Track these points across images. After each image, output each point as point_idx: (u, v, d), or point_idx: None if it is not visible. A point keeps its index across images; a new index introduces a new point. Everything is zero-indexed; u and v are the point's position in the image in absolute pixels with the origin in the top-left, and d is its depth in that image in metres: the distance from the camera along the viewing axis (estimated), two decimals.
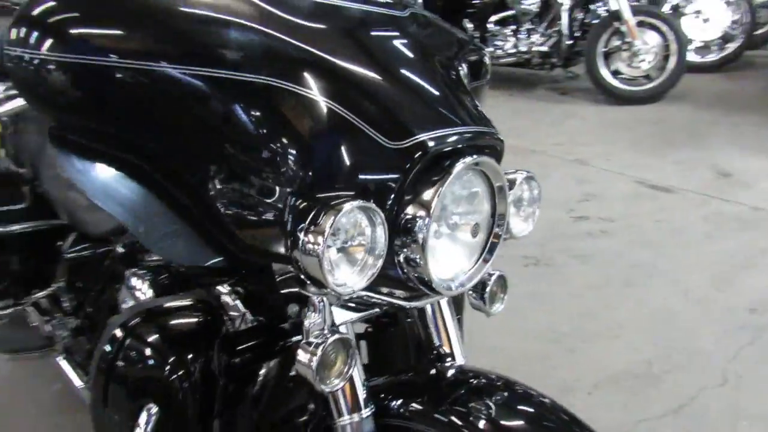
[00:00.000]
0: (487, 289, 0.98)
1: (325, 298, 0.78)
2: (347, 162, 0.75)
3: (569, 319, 2.16)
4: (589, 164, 3.55)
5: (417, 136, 0.75)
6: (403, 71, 0.85)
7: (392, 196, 0.74)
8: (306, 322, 0.79)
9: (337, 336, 0.77)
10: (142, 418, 0.87)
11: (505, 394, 0.89)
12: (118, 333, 0.92)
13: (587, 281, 2.39)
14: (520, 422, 0.86)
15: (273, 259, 0.79)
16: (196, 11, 0.77)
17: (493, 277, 0.99)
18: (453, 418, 0.83)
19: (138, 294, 1.17)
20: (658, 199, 3.11)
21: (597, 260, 2.54)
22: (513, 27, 4.91)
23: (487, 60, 1.21)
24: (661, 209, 3.00)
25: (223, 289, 1.06)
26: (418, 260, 0.75)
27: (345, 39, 0.85)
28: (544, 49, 4.76)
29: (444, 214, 0.82)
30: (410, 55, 0.90)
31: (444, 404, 0.86)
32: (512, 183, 0.92)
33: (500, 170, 0.82)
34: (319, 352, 0.74)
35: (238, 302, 1.08)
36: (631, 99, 4.64)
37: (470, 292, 1.01)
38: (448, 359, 0.98)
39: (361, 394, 0.85)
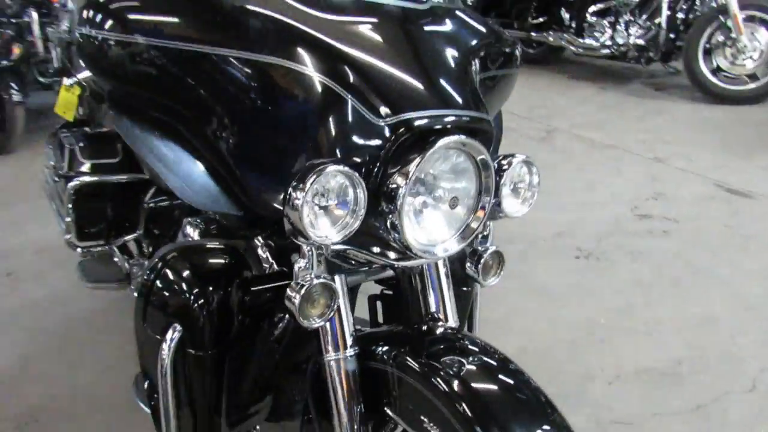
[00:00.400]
0: (482, 261, 1.09)
1: (313, 248, 0.91)
2: (339, 133, 0.89)
3: (607, 312, 2.19)
4: (667, 163, 3.46)
5: (401, 115, 0.87)
6: (404, 57, 0.97)
7: (377, 165, 0.88)
8: (295, 267, 0.91)
9: (320, 281, 0.89)
10: (168, 334, 1.05)
11: (485, 359, 0.96)
12: (157, 263, 1.11)
13: (635, 278, 2.40)
14: (490, 386, 0.92)
15: (274, 212, 0.91)
16: (230, 4, 0.95)
17: (488, 251, 1.10)
18: (426, 369, 0.92)
19: (188, 238, 1.38)
20: (733, 204, 3.01)
21: (651, 259, 2.52)
22: (611, 18, 4.79)
23: (517, 51, 1.30)
24: (734, 214, 2.91)
25: (258, 241, 1.23)
26: (396, 225, 0.89)
27: (354, 27, 0.97)
28: (641, 42, 4.62)
29: (430, 187, 0.95)
30: (416, 43, 1.01)
31: (422, 356, 0.95)
32: (509, 165, 1.03)
33: (484, 150, 0.92)
34: (302, 291, 0.88)
35: (267, 254, 1.24)
36: (730, 98, 4.42)
37: (468, 264, 1.13)
38: (440, 321, 1.09)
39: (348, 336, 0.99)
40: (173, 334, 1.05)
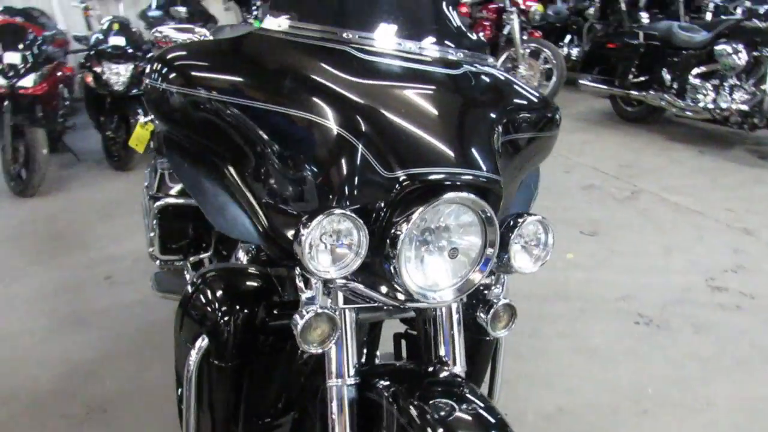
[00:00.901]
0: (491, 312, 1.17)
1: (319, 281, 1.01)
2: (351, 181, 1.01)
3: (657, 383, 2.13)
4: (755, 235, 3.29)
5: (408, 170, 0.98)
6: (425, 117, 1.07)
7: (381, 213, 0.99)
8: (302, 297, 1.02)
9: (322, 311, 1.00)
10: (197, 344, 1.18)
11: (478, 411, 1.00)
12: (197, 280, 1.25)
13: (695, 351, 2.31)
14: None
15: (288, 245, 1.01)
16: (268, 67, 1.09)
17: (500, 303, 1.17)
18: (416, 408, 0.98)
19: (238, 261, 1.53)
20: None
21: (716, 334, 2.42)
22: (715, 82, 4.63)
23: (557, 115, 1.37)
24: None
25: (297, 271, 1.36)
26: (396, 268, 0.98)
27: (382, 88, 1.09)
28: (746, 108, 4.42)
29: (437, 238, 1.04)
30: (440, 105, 1.11)
31: (416, 395, 1.01)
32: (521, 223, 1.10)
33: (488, 208, 1.01)
34: (304, 319, 0.98)
35: (300, 283, 1.35)
36: None
37: (479, 313, 1.19)
38: (447, 366, 1.16)
39: (351, 365, 1.08)
40: (201, 344, 1.18)
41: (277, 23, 1.14)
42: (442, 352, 1.18)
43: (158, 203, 1.97)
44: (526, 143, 1.34)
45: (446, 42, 1.26)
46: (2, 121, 4.19)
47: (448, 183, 1.00)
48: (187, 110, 1.12)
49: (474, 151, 1.07)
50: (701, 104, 4.67)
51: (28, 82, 4.14)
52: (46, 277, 3.01)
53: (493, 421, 1.00)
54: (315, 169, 1.04)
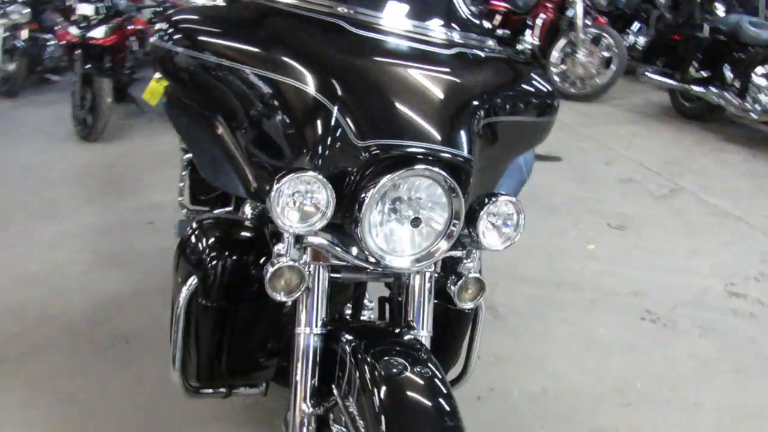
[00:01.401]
0: (458, 283, 1.24)
1: (291, 237, 1.10)
2: (324, 145, 1.10)
3: (649, 379, 2.15)
4: None
5: (379, 140, 1.06)
6: (402, 91, 1.14)
7: (351, 178, 1.07)
8: (274, 249, 1.12)
9: (289, 264, 1.09)
10: (188, 282, 1.29)
11: (429, 375, 1.07)
12: (195, 226, 1.37)
13: (695, 353, 2.31)
14: (417, 399, 1.04)
15: (263, 200, 1.11)
16: (260, 34, 1.19)
17: (469, 276, 1.25)
18: (370, 362, 1.07)
19: (244, 215, 1.62)
20: None
21: (723, 339, 2.40)
22: None
23: (555, 103, 1.44)
24: None
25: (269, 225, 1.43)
26: (358, 231, 1.06)
27: (368, 62, 1.18)
28: None
29: (404, 207, 1.11)
30: (421, 81, 1.18)
31: (373, 351, 1.09)
32: (490, 201, 1.16)
33: (452, 181, 1.08)
34: (272, 269, 1.08)
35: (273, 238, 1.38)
36: None
37: (448, 284, 1.26)
38: (413, 330, 1.25)
39: (318, 317, 1.19)
40: (191, 283, 1.30)
41: None
42: (410, 317, 1.26)
43: (187, 155, 2.11)
44: (518, 126, 1.38)
45: (444, 24, 1.32)
46: (74, 69, 4.46)
47: (417, 156, 1.06)
48: (186, 69, 1.23)
49: (447, 128, 1.13)
50: (762, 105, 4.49)
51: (98, 33, 4.38)
52: (96, 216, 3.24)
53: (440, 388, 1.07)
54: (293, 131, 1.14)
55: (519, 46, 6.46)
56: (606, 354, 2.28)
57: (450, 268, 1.31)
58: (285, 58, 1.16)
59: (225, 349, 1.39)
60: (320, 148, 1.10)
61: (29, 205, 3.37)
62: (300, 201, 1.06)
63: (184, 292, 1.30)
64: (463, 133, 1.14)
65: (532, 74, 1.48)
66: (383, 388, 1.04)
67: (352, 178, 1.07)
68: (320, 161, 1.09)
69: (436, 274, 1.31)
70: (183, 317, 1.32)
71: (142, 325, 2.30)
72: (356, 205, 1.06)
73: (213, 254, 1.30)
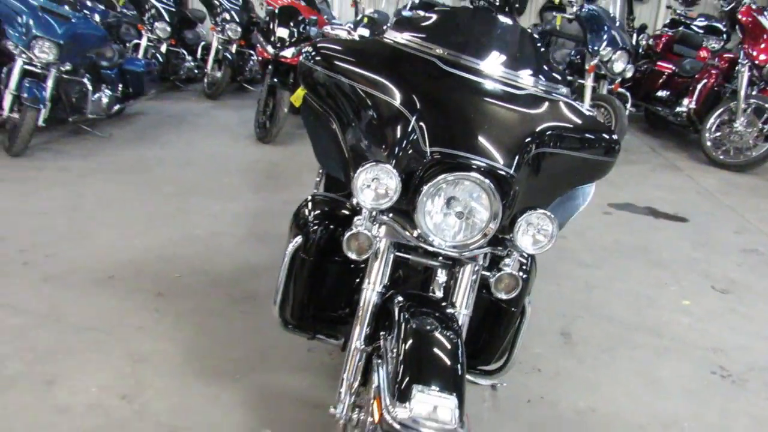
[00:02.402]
0: (496, 275, 1.53)
1: (366, 211, 1.45)
2: (401, 146, 1.48)
3: (698, 424, 2.23)
4: None
5: (442, 148, 1.41)
6: (471, 115, 1.50)
7: (416, 174, 1.42)
8: (355, 219, 1.48)
9: (360, 230, 1.44)
10: (294, 239, 1.72)
11: (449, 341, 1.38)
12: (307, 200, 1.79)
13: (756, 412, 2.33)
14: (434, 352, 1.35)
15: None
16: (374, 62, 1.61)
17: (504, 271, 1.53)
18: (410, 319, 1.39)
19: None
20: None
21: None
22: None
23: (613, 146, 1.71)
24: None
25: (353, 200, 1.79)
26: (416, 216, 1.42)
27: (449, 90, 1.56)
28: None
29: (454, 203, 1.44)
30: (487, 111, 1.53)
31: (413, 311, 1.42)
32: (525, 212, 1.46)
33: (491, 187, 1.38)
34: (349, 232, 1.45)
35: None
36: None
37: (489, 274, 1.55)
38: (455, 308, 1.55)
39: (380, 278, 1.53)
40: (296, 241, 1.72)
41: (393, 36, 1.65)
42: (455, 297, 1.57)
43: None
44: (573, 160, 1.66)
45: (521, 69, 1.66)
46: (264, 80, 5.28)
47: (470, 165, 1.39)
48: (318, 82, 1.68)
49: (499, 148, 1.44)
50: None
51: (288, 53, 5.15)
52: (255, 202, 3.89)
53: (457, 353, 1.36)
54: (381, 134, 1.54)
55: (678, 109, 6.39)
56: (663, 393, 2.39)
57: (495, 265, 1.62)
58: (385, 81, 1.57)
59: (314, 297, 1.80)
60: (397, 148, 1.49)
61: (207, 185, 4.13)
62: (376, 185, 1.42)
63: (290, 247, 1.73)
64: (512, 155, 1.45)
65: (594, 120, 1.75)
66: (413, 338, 1.37)
67: (417, 174, 1.43)
68: (396, 158, 1.47)
69: (486, 273, 1.59)
70: (287, 266, 1.75)
71: (268, 289, 2.80)
72: (417, 195, 1.42)
73: (314, 220, 1.72)
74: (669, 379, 2.48)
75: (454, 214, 1.46)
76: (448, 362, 1.35)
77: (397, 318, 1.44)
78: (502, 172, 1.42)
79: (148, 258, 3.03)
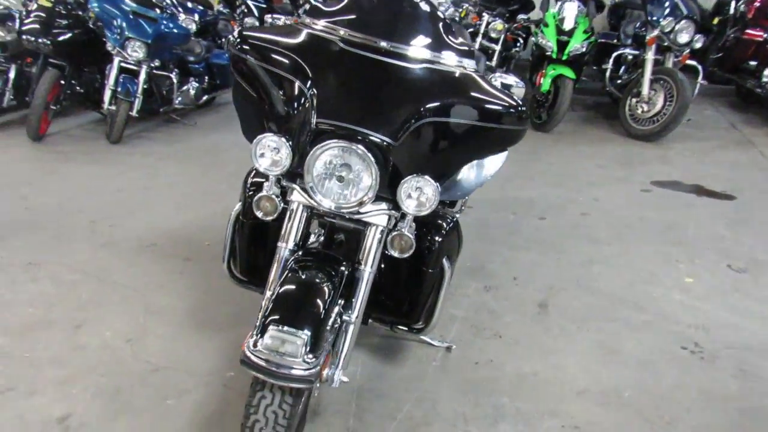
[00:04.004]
0: (390, 235, 1.71)
1: (272, 176, 1.68)
2: (297, 119, 1.67)
3: (642, 394, 2.24)
4: None
5: (327, 120, 1.61)
6: (357, 89, 1.66)
7: (306, 142, 1.63)
8: (264, 183, 1.72)
9: (265, 194, 1.69)
10: (236, 207, 1.99)
11: (325, 282, 1.62)
12: (249, 171, 2.00)
13: (711, 388, 2.28)
14: (304, 289, 1.60)
15: None
16: (282, 43, 1.76)
17: (396, 232, 1.70)
18: (294, 271, 1.63)
19: None
20: None
21: (757, 386, 2.31)
22: None
23: (521, 116, 1.79)
24: None
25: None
26: (306, 178, 1.63)
27: (342, 67, 1.70)
28: None
29: (332, 166, 1.62)
30: (375, 84, 1.67)
31: (305, 267, 1.67)
32: (410, 178, 1.61)
33: (366, 154, 1.54)
34: (256, 196, 1.70)
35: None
36: None
37: (386, 237, 1.73)
38: (361, 265, 1.74)
39: (292, 238, 1.73)
40: (238, 205, 1.98)
41: (306, 21, 1.81)
42: (362, 256, 1.74)
43: None
44: (473, 129, 1.75)
45: (421, 44, 1.74)
46: None
47: (347, 134, 1.58)
48: (242, 65, 1.82)
49: (380, 118, 1.60)
50: None
51: None
52: None
53: (318, 301, 1.56)
54: (284, 109, 1.72)
55: (764, 80, 5.89)
56: (618, 365, 2.40)
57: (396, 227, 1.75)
58: (289, 62, 1.72)
59: (258, 255, 2.03)
60: (294, 121, 1.67)
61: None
62: (273, 154, 1.63)
63: (233, 212, 2.01)
64: (394, 125, 1.60)
65: (497, 90, 1.82)
66: (286, 283, 1.60)
67: (304, 142, 1.62)
68: (291, 130, 1.66)
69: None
70: (231, 228, 2.03)
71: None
72: (305, 160, 1.61)
73: (251, 188, 1.97)
74: (629, 351, 2.49)
75: (336, 178, 1.63)
76: (307, 305, 1.55)
77: (286, 268, 1.68)
78: (378, 140, 1.58)
79: (189, 229, 3.46)
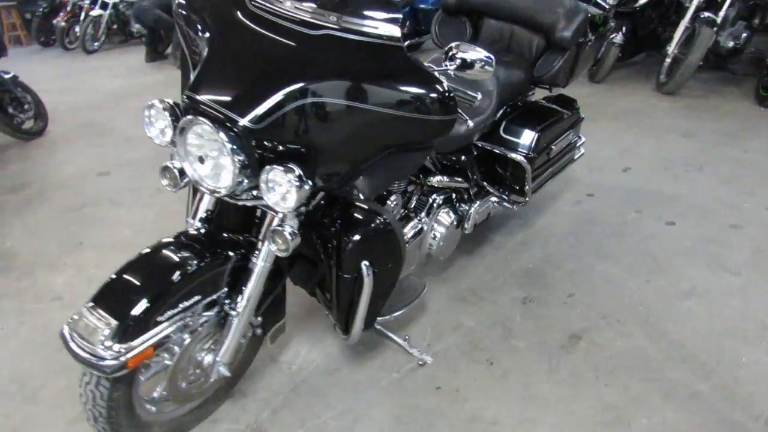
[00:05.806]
0: (271, 228, 1.50)
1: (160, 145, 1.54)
2: (184, 89, 1.42)
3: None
4: None
5: (191, 93, 1.36)
6: (235, 62, 1.39)
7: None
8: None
9: (167, 164, 1.51)
10: None
11: (164, 271, 1.48)
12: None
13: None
14: (135, 276, 1.46)
15: None
16: (200, 7, 1.58)
17: (277, 229, 1.48)
18: (158, 247, 1.52)
19: None
20: None
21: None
22: None
23: (448, 103, 1.50)
24: None
25: None
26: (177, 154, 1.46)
27: (228, 38, 1.44)
28: None
29: (199, 149, 1.43)
30: (257, 56, 1.39)
31: (172, 244, 1.53)
32: (270, 170, 1.37)
33: (222, 137, 1.32)
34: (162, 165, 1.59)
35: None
36: None
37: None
38: (256, 256, 1.58)
39: (195, 211, 1.62)
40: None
41: None
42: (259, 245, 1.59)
43: None
44: (379, 116, 1.44)
45: (330, 9, 1.42)
46: None
47: (203, 110, 1.34)
48: (179, 28, 1.67)
49: (246, 97, 1.33)
50: None
51: None
52: None
53: (152, 285, 1.43)
54: (187, 74, 1.58)
55: None
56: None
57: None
58: (200, 29, 1.51)
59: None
60: (183, 91, 1.47)
61: None
62: (157, 123, 1.53)
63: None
64: (259, 104, 1.31)
65: (419, 70, 1.46)
66: (143, 254, 1.52)
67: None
68: (180, 102, 1.49)
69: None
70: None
71: None
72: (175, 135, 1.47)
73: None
74: (644, 430, 1.90)
75: (197, 158, 1.45)
76: (139, 292, 1.41)
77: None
78: (234, 120, 1.32)
79: None
